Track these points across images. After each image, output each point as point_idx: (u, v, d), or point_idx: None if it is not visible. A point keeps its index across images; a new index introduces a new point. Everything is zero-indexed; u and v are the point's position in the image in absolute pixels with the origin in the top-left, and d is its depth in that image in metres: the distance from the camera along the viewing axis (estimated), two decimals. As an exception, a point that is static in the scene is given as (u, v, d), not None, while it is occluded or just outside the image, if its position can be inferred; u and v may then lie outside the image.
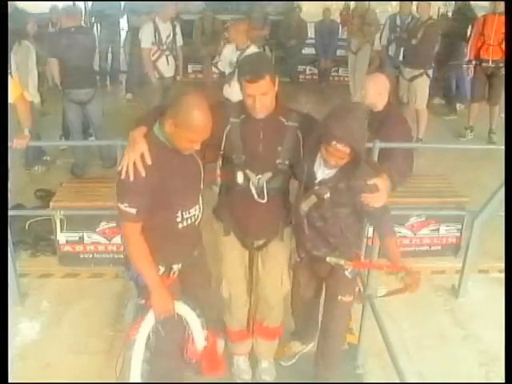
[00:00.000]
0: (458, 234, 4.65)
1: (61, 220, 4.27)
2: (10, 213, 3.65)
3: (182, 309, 2.84)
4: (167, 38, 6.49)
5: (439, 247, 4.69)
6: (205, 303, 3.07)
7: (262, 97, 2.74)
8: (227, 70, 5.79)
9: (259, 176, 2.91)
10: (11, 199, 4.11)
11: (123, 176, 2.52)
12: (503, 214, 3.14)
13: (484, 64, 7.01)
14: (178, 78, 6.80)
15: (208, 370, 3.09)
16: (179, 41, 6.71)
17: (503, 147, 3.16)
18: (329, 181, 2.82)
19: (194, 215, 2.80)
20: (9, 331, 2.74)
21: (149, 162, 2.53)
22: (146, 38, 6.38)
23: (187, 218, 2.77)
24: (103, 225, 4.37)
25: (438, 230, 4.64)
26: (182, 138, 2.54)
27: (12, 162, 4.03)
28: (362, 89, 4.16)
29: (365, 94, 4.12)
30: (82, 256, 4.48)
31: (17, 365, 3.41)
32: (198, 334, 2.92)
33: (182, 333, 2.94)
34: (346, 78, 9.33)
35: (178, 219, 2.74)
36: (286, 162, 2.91)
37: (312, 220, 2.91)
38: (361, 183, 2.76)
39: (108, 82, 9.67)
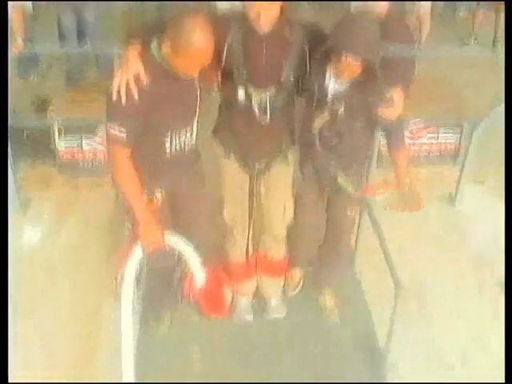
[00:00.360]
0: (457, 142, 4.64)
1: (59, 128, 4.25)
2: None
3: (174, 241, 2.65)
4: None
5: (438, 154, 4.69)
6: (205, 234, 2.97)
7: (268, 10, 2.55)
8: None
9: (262, 92, 2.74)
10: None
11: (115, 97, 2.36)
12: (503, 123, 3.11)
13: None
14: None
15: (210, 309, 2.99)
16: None
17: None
18: (342, 95, 2.68)
19: (185, 141, 2.65)
20: (9, 245, 2.76)
21: (144, 83, 2.37)
22: None
23: (177, 144, 2.63)
24: (101, 133, 4.30)
25: (436, 136, 4.62)
26: (180, 62, 2.36)
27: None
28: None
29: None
30: (81, 165, 4.49)
31: (19, 272, 3.48)
32: (196, 269, 2.66)
33: (173, 268, 2.87)
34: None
35: (167, 144, 2.59)
36: (291, 78, 2.74)
37: (324, 138, 2.79)
38: (376, 96, 2.64)
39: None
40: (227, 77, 2.78)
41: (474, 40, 7.19)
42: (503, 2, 3.04)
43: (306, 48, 2.70)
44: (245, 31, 2.67)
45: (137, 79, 2.36)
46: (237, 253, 3.25)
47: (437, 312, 3.48)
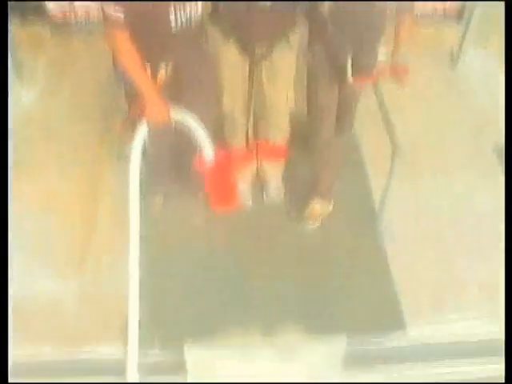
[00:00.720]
0: (462, 2, 4.50)
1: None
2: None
3: (181, 116, 2.57)
4: None
5: (442, 13, 4.56)
6: (208, 114, 2.82)
7: None
8: None
9: None
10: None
11: None
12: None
13: None
14: None
15: (219, 200, 2.82)
16: None
17: None
18: None
19: (191, 13, 2.47)
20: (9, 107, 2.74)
21: None
22: None
23: (182, 17, 2.45)
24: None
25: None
26: None
27: None
28: None
29: None
30: (74, 24, 4.36)
31: (20, 133, 3.50)
32: (206, 143, 2.55)
33: (180, 144, 2.82)
34: None
35: (172, 17, 2.42)
36: None
37: (337, 16, 2.58)
38: None
39: None
40: None
41: None
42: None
43: None
44: None
45: None
46: (236, 139, 3.15)
47: (433, 174, 3.54)
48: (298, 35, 2.81)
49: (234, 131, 3.11)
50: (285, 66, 2.86)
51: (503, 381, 2.11)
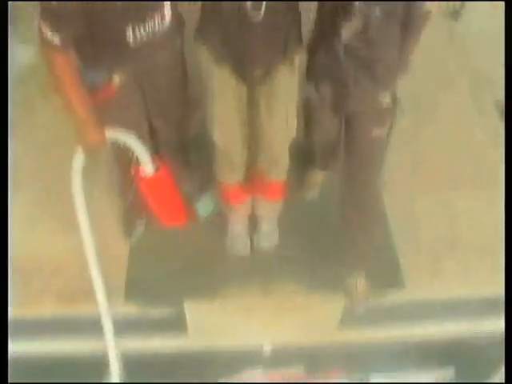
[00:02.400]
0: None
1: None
2: None
3: (116, 135, 2.34)
4: None
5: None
6: (177, 119, 2.67)
7: None
8: None
9: None
10: None
11: None
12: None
13: None
14: None
15: (166, 216, 2.64)
16: None
17: None
18: None
19: (154, 28, 2.21)
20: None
21: None
22: None
23: (142, 33, 2.19)
24: None
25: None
26: None
27: None
28: None
29: None
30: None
31: (19, 89, 3.45)
32: (143, 158, 2.37)
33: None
34: None
35: (128, 33, 2.16)
36: None
37: (353, 49, 2.24)
38: None
39: None
40: None
41: None
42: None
43: None
44: None
45: None
46: (229, 174, 2.74)
47: (432, 127, 3.51)
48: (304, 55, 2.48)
49: (226, 165, 2.70)
50: (286, 90, 2.47)
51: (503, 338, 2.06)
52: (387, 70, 2.37)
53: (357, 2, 2.08)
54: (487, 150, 3.42)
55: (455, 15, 4.20)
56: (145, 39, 2.21)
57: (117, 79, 2.32)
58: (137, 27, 2.16)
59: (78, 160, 2.28)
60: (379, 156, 2.65)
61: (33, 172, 3.25)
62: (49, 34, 2.01)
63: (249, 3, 2.09)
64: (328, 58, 2.32)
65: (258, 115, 2.51)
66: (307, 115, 2.68)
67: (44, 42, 2.06)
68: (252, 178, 2.79)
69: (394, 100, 2.48)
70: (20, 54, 3.79)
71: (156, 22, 2.19)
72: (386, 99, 2.44)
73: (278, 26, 2.25)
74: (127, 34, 2.16)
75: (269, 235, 2.99)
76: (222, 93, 2.43)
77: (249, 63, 2.32)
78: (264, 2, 2.09)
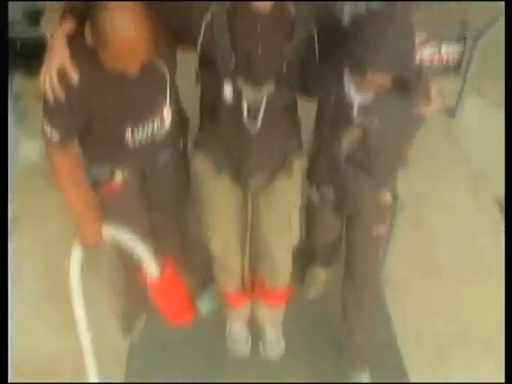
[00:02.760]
0: (460, 53, 4.55)
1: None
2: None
3: (115, 234, 2.31)
4: None
5: (440, 65, 4.60)
6: (178, 225, 2.65)
7: None
8: None
9: (256, 90, 2.07)
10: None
11: (41, 89, 1.94)
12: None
13: None
14: None
15: (173, 314, 2.59)
16: None
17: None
18: (372, 106, 2.10)
19: (153, 131, 2.20)
20: (9, 154, 2.74)
21: (72, 77, 1.89)
22: None
23: (142, 135, 2.18)
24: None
25: (439, 48, 4.52)
26: (106, 55, 1.84)
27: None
28: None
29: None
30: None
31: (22, 185, 3.50)
32: (146, 259, 2.34)
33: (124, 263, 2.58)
34: None
35: (127, 135, 2.16)
36: (296, 68, 2.08)
37: (353, 155, 2.25)
38: (414, 97, 2.10)
39: None
40: (209, 67, 2.09)
41: None
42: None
43: (314, 30, 2.05)
44: (232, 5, 1.99)
45: (64, 72, 1.89)
46: (228, 281, 2.65)
47: (432, 223, 3.53)
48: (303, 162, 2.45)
49: (224, 273, 2.61)
50: (286, 196, 2.41)
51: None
52: (387, 171, 2.40)
53: (355, 113, 2.11)
54: (487, 244, 3.41)
55: (451, 112, 4.30)
56: (143, 142, 2.21)
57: (119, 176, 2.33)
58: (135, 129, 2.15)
59: (76, 255, 2.24)
60: (380, 252, 2.68)
61: (34, 268, 3.23)
62: (49, 130, 2.03)
63: (245, 115, 2.09)
64: (329, 163, 2.34)
65: (257, 223, 2.45)
66: (309, 216, 2.67)
67: (45, 138, 2.08)
68: (252, 284, 2.70)
69: (394, 197, 2.50)
70: (27, 151, 3.85)
71: (155, 125, 2.18)
72: (386, 197, 2.46)
73: (275, 136, 2.24)
74: (126, 135, 2.16)
75: (274, 345, 2.85)
76: (219, 201, 2.39)
77: (247, 172, 2.30)
78: (260, 115, 2.09)
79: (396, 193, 2.52)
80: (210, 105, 2.20)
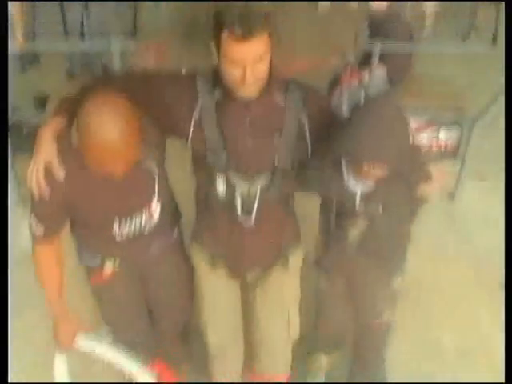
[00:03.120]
0: (457, 139, 4.63)
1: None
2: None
3: (90, 345, 2.27)
4: None
5: (438, 151, 4.67)
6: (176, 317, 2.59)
7: (256, 65, 1.79)
8: None
9: (249, 183, 2.03)
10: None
11: (28, 185, 1.93)
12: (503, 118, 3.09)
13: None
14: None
15: None
16: None
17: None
18: (374, 194, 2.11)
19: (141, 224, 2.17)
20: (9, 237, 2.74)
21: (58, 176, 1.89)
22: None
23: (129, 228, 2.16)
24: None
25: (437, 134, 4.61)
26: (89, 158, 1.80)
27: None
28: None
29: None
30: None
31: (19, 268, 3.47)
32: (136, 371, 2.29)
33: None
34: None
35: (115, 228, 2.14)
36: (289, 159, 2.04)
37: (361, 243, 2.25)
38: (414, 178, 2.13)
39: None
40: (200, 161, 2.06)
41: (474, 35, 7.17)
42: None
43: (305, 119, 2.01)
44: (221, 97, 1.95)
45: (49, 170, 1.89)
46: (224, 375, 2.57)
47: (435, 312, 3.48)
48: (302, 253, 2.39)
49: (222, 364, 2.53)
50: (284, 289, 2.36)
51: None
52: (397, 255, 2.39)
53: (358, 204, 2.11)
54: (493, 328, 3.35)
55: (451, 196, 4.33)
56: (131, 234, 2.18)
57: (110, 265, 2.30)
58: (122, 223, 2.13)
59: (60, 362, 2.21)
60: (386, 338, 2.66)
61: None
62: (34, 224, 2.02)
63: (239, 210, 2.05)
64: (337, 253, 2.31)
65: (254, 316, 2.40)
66: (317, 305, 2.62)
67: (30, 232, 2.07)
68: (250, 374, 2.62)
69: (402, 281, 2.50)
70: (25, 239, 3.85)
71: (143, 219, 2.15)
72: (396, 283, 2.46)
73: (271, 230, 2.19)
74: (113, 228, 2.13)
75: None
76: (215, 293, 2.33)
77: (243, 266, 2.27)
78: (254, 209, 2.05)
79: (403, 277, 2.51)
80: (204, 198, 2.16)
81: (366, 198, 2.11)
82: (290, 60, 3.85)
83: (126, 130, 1.74)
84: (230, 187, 2.03)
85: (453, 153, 4.65)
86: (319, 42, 6.75)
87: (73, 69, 5.91)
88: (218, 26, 1.79)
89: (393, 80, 4.32)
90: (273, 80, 1.93)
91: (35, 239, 2.08)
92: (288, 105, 1.99)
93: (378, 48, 3.73)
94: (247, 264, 2.26)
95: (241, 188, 2.03)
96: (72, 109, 1.88)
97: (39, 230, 2.03)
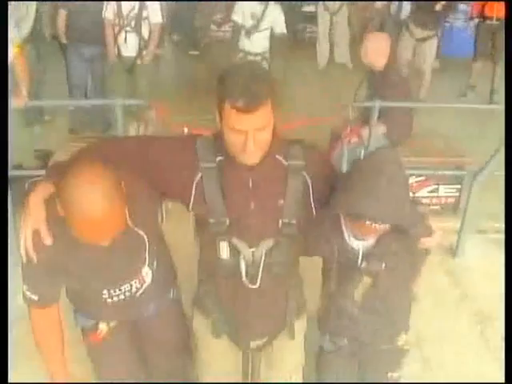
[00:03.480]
0: (457, 194, 4.66)
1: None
2: (9, 173, 3.65)
3: None
4: (130, 11, 5.47)
5: (438, 207, 4.70)
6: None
7: (259, 133, 1.76)
8: (247, 23, 5.78)
9: (254, 248, 1.94)
10: (10, 159, 4.09)
11: (20, 251, 1.90)
12: (502, 174, 3.11)
13: (488, 22, 6.91)
14: (139, 61, 5.72)
15: None
16: (154, 17, 5.53)
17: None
18: (376, 251, 2.07)
19: (131, 290, 2.14)
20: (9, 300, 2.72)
21: (46, 242, 1.84)
22: (109, 7, 5.54)
23: (119, 295, 2.12)
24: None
25: (437, 190, 4.64)
26: (74, 227, 1.73)
27: (11, 121, 4.01)
28: (361, 48, 4.18)
29: (365, 53, 4.13)
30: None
31: (19, 325, 3.43)
32: None
33: None
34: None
35: (104, 295, 2.11)
36: (293, 221, 1.95)
37: (366, 303, 2.18)
38: (415, 231, 2.05)
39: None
40: (203, 226, 1.98)
41: (472, 92, 7.29)
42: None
43: (309, 179, 1.95)
44: (222, 161, 1.90)
45: (37, 237, 1.84)
46: None
47: (439, 369, 3.43)
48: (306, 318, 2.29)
49: None
50: (288, 355, 2.27)
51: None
52: (402, 312, 2.34)
53: (360, 262, 2.07)
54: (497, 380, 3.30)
55: (452, 251, 4.32)
56: (122, 300, 2.14)
57: (104, 327, 2.26)
58: (112, 290, 2.10)
59: None
60: None
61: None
62: (27, 293, 1.99)
63: (243, 275, 1.95)
64: (341, 313, 2.24)
65: (256, 380, 2.28)
66: (320, 365, 2.50)
67: (24, 299, 2.04)
68: None
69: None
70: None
71: (133, 285, 2.12)
72: (402, 340, 2.40)
73: (276, 296, 2.10)
74: (103, 295, 2.11)
75: None
76: (218, 363, 2.24)
77: (247, 335, 2.15)
78: (259, 274, 1.95)
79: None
80: (207, 263, 2.08)
81: (368, 255, 2.06)
82: (290, 117, 3.91)
83: (108, 201, 1.67)
84: (234, 252, 1.94)
85: (453, 208, 4.68)
86: (319, 98, 6.89)
87: (75, 126, 5.99)
88: (221, 95, 1.75)
89: (393, 141, 4.39)
90: (275, 142, 1.88)
91: (30, 305, 2.04)
92: (291, 166, 1.94)
93: (377, 105, 3.79)
94: (252, 334, 2.15)
95: (245, 253, 1.94)
96: (60, 176, 1.78)
97: (33, 298, 2.00)
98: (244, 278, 1.95)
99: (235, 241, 1.93)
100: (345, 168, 4.05)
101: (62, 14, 5.69)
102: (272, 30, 6.01)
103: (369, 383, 2.52)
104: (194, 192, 1.90)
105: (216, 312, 2.12)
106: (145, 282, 2.14)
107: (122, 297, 2.13)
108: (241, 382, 2.30)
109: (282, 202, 1.92)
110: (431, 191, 4.63)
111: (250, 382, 2.27)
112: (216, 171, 1.89)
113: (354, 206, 1.86)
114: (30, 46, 5.49)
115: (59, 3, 5.76)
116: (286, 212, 1.94)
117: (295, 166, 1.93)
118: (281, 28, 6.03)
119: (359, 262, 2.07)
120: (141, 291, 2.16)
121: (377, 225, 1.91)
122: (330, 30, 8.47)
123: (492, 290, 3.83)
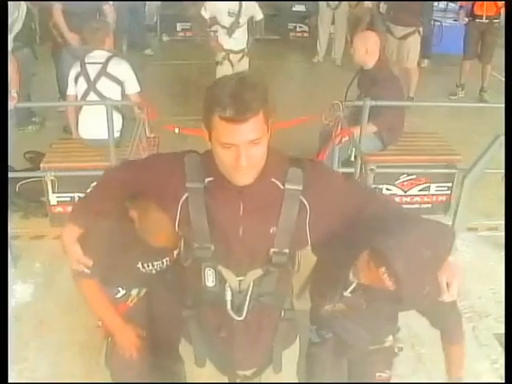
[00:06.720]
0: (448, 192, 4.68)
1: (52, 181, 4.23)
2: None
3: None
4: None
5: (429, 205, 4.72)
6: None
7: (251, 148, 1.59)
8: (225, 22, 5.72)
9: (241, 277, 1.80)
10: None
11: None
12: (493, 171, 3.13)
13: (478, 20, 6.93)
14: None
15: None
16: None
17: (494, 105, 3.16)
18: (363, 292, 2.06)
19: (162, 265, 2.40)
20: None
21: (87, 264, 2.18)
22: None
23: (152, 268, 2.39)
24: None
25: (428, 188, 4.66)
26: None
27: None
28: (352, 46, 4.19)
29: (354, 51, 4.13)
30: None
31: (12, 326, 3.43)
32: None
33: None
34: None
35: (139, 267, 2.39)
36: (285, 250, 1.77)
37: (354, 304, 2.16)
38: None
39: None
40: (188, 250, 1.85)
41: (461, 91, 7.32)
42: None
43: (307, 204, 1.74)
44: (211, 181, 1.74)
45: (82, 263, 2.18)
46: None
47: (435, 367, 3.43)
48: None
49: None
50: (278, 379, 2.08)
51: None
52: (389, 314, 2.33)
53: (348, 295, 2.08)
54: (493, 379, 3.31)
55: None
56: (154, 272, 2.39)
57: (134, 294, 2.49)
58: (145, 264, 2.36)
59: None
60: None
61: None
62: (80, 269, 2.19)
63: (229, 305, 1.81)
64: (330, 312, 2.22)
65: None
66: (309, 358, 2.47)
67: (73, 272, 2.29)
68: None
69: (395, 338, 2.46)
70: (19, 292, 3.82)
71: (165, 263, 2.37)
72: (389, 342, 2.41)
73: (263, 327, 1.92)
74: (138, 267, 2.37)
75: None
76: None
77: (231, 364, 1.99)
78: (246, 306, 1.81)
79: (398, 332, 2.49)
80: (192, 289, 1.91)
81: (355, 291, 2.04)
82: (280, 116, 3.90)
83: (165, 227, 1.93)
84: (220, 280, 1.80)
85: (444, 206, 4.70)
86: (311, 97, 6.89)
87: (67, 128, 5.95)
88: (209, 107, 1.59)
89: (384, 141, 4.40)
90: (272, 164, 1.71)
91: (81, 276, 2.29)
92: (288, 191, 1.73)
93: (368, 104, 3.79)
94: (237, 365, 1.99)
95: (231, 282, 1.79)
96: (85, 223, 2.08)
97: (86, 271, 2.22)
98: (229, 309, 1.81)
99: (221, 269, 1.79)
100: (336, 167, 4.06)
101: (57, 11, 5.64)
102: (252, 19, 5.95)
103: (357, 383, 2.54)
104: (178, 213, 1.77)
105: (199, 340, 1.99)
106: (172, 259, 2.33)
107: (154, 269, 2.38)
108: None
109: (274, 229, 1.74)
110: (422, 189, 4.64)
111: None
112: (203, 193, 1.74)
113: (386, 243, 1.71)
114: (20, 47, 5.47)
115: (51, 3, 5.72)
116: (278, 240, 1.75)
117: (293, 190, 1.73)
118: (259, 14, 5.96)
119: (345, 294, 2.08)
120: (170, 266, 2.36)
121: (387, 277, 1.75)
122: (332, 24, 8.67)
123: (483, 287, 3.86)
